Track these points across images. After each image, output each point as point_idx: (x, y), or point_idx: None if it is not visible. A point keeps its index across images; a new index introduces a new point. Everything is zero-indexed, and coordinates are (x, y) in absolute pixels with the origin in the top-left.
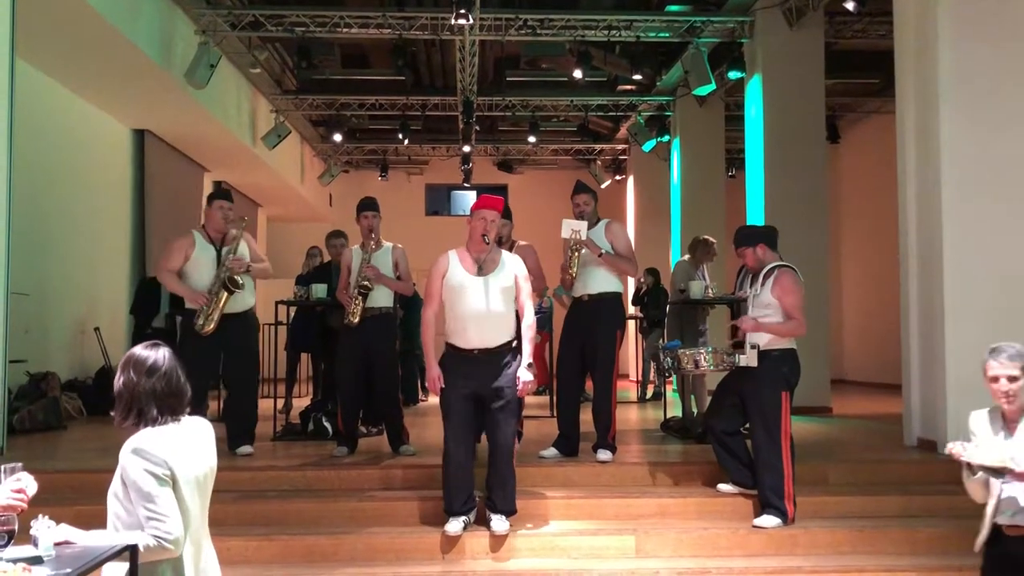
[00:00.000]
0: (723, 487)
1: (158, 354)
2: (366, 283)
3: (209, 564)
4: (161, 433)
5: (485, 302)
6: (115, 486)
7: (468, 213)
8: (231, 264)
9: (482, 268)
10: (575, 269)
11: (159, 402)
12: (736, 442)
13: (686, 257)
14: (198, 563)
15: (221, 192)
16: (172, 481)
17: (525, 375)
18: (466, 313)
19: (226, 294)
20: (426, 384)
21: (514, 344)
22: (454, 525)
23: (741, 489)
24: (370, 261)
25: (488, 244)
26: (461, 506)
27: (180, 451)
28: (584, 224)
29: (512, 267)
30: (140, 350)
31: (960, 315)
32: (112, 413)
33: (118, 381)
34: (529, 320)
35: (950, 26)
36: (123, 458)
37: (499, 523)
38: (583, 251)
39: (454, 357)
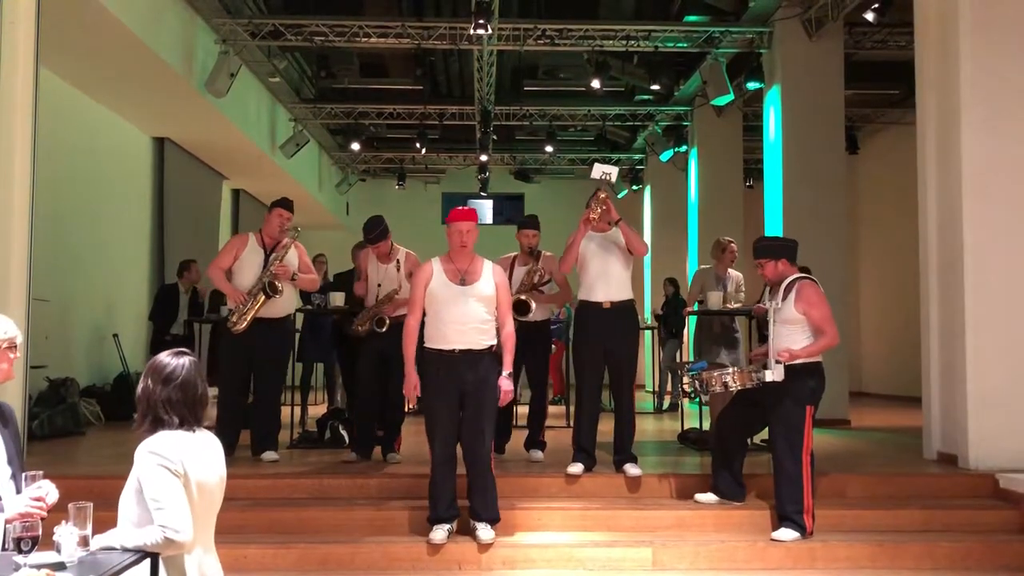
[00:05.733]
0: (701, 497)
1: (179, 363)
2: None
3: (212, 572)
4: (175, 436)
5: (467, 311)
6: (130, 489)
7: (484, 222)
8: (276, 270)
9: (464, 278)
10: (598, 213)
11: (175, 410)
12: (736, 451)
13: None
14: (202, 569)
15: (282, 200)
16: (185, 481)
17: (506, 384)
18: (448, 320)
19: (264, 297)
20: (403, 390)
21: (493, 349)
22: (439, 533)
23: (721, 500)
24: (384, 276)
25: (471, 253)
26: (445, 511)
27: (192, 456)
28: (615, 169)
29: (494, 277)
30: (163, 358)
31: (981, 327)
32: (135, 416)
33: (139, 387)
34: (508, 330)
35: (971, 37)
36: (139, 457)
37: (485, 531)
38: (605, 254)
39: (435, 360)
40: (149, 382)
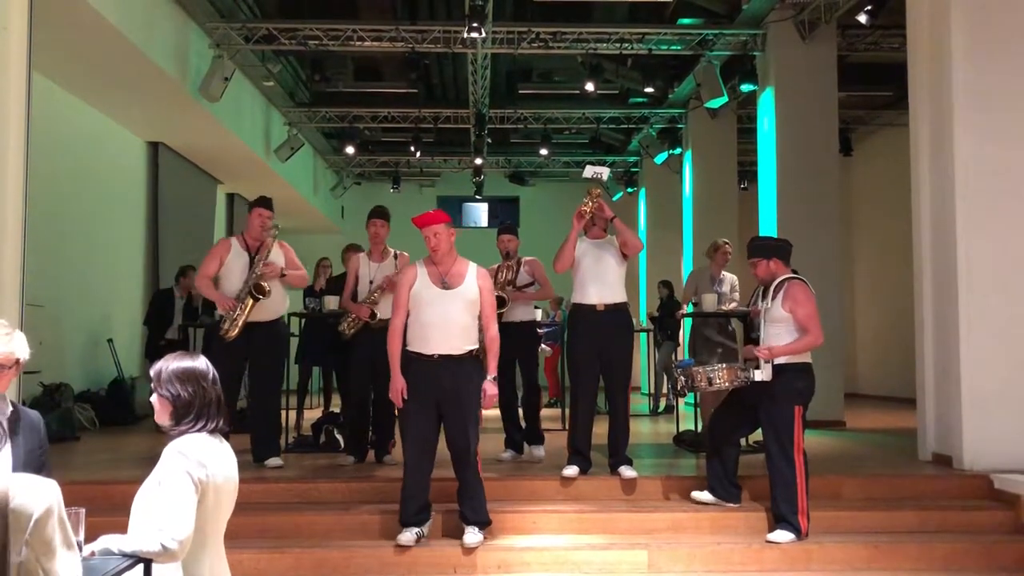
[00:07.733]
0: (697, 495)
1: (209, 363)
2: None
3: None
4: (205, 440)
5: (449, 314)
6: (150, 490)
7: (479, 225)
8: (262, 270)
9: (446, 281)
10: (590, 206)
11: (219, 410)
12: (729, 451)
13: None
14: (214, 572)
15: (262, 199)
16: (204, 488)
17: (491, 388)
18: (430, 323)
19: (252, 301)
20: (389, 395)
21: (475, 353)
22: (407, 536)
23: (717, 500)
24: (376, 273)
25: (452, 256)
26: (414, 516)
27: (216, 460)
28: (606, 169)
29: (478, 280)
30: (191, 362)
31: (975, 328)
32: (166, 422)
33: (184, 391)
34: (492, 333)
35: (963, 39)
36: (167, 456)
37: (472, 535)
38: (598, 256)
39: (416, 363)
40: (201, 384)
